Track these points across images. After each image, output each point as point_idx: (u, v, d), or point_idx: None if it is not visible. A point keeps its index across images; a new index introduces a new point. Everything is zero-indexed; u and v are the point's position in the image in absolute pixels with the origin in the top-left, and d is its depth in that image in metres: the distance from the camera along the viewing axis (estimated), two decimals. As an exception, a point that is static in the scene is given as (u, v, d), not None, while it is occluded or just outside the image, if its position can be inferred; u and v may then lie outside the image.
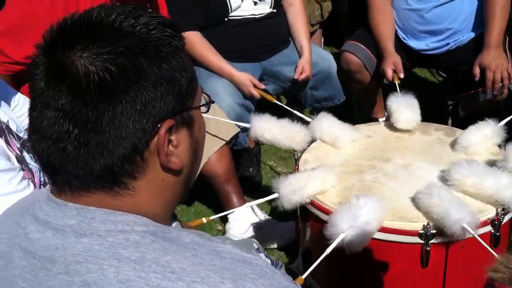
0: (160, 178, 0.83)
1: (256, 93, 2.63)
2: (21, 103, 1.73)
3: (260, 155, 3.04)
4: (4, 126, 1.51)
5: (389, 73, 2.67)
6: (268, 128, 2.08)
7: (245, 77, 2.65)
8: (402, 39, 2.88)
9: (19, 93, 1.77)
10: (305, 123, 2.26)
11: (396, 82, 2.58)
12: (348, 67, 2.87)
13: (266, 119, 2.10)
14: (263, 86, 2.71)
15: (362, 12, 2.97)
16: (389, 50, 2.74)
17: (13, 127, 1.56)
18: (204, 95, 0.93)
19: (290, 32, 2.91)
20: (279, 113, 3.04)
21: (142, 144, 0.79)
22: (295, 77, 2.77)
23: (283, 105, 2.70)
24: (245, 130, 2.68)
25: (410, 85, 2.76)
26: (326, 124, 2.09)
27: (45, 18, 2.09)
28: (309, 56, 2.81)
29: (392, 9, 2.86)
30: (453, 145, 2.03)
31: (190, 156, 0.87)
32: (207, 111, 0.93)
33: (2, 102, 1.60)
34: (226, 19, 2.73)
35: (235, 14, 2.74)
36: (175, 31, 0.83)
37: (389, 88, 2.71)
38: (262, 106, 2.76)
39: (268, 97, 2.67)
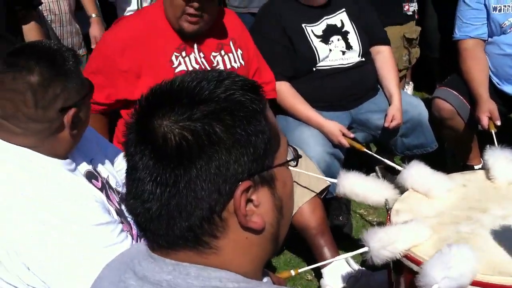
0: (244, 237, 0.84)
1: (345, 142, 2.62)
2: (120, 158, 1.82)
3: (350, 203, 2.99)
4: (104, 181, 1.60)
5: (485, 121, 2.58)
6: (356, 185, 2.04)
7: (334, 126, 2.65)
8: (496, 84, 2.80)
9: (119, 150, 1.88)
10: (396, 171, 2.21)
11: (493, 131, 2.48)
12: (440, 113, 2.80)
13: (353, 176, 2.08)
14: (352, 135, 2.70)
15: (454, 58, 2.92)
16: (484, 97, 2.66)
17: (112, 182, 1.65)
18: (291, 148, 0.93)
19: (379, 80, 2.90)
20: (369, 161, 3.02)
21: (219, 205, 0.81)
22: (385, 125, 2.74)
23: (372, 153, 2.67)
24: (334, 179, 2.67)
25: (506, 131, 2.66)
26: (419, 172, 2.04)
27: (119, 65, 2.23)
28: (399, 103, 2.78)
29: (485, 54, 2.79)
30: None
31: (275, 213, 0.87)
32: (296, 165, 0.93)
33: (105, 159, 1.70)
34: (314, 69, 2.76)
35: (323, 64, 2.76)
36: (255, 94, 0.85)
37: (484, 134, 2.63)
38: (352, 155, 2.75)
39: (357, 145, 2.65)
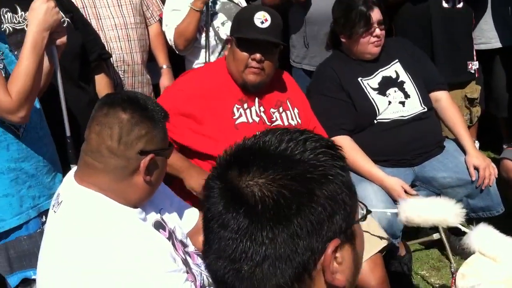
0: None
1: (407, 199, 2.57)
2: (187, 213, 1.86)
3: (411, 263, 2.91)
4: (171, 231, 1.64)
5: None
6: (419, 208, 2.00)
7: (396, 182, 2.62)
8: None
9: (184, 202, 1.92)
10: (461, 233, 2.15)
11: None
12: (508, 175, 2.72)
13: (414, 200, 2.04)
14: (414, 193, 2.64)
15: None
16: (554, 159, 2.57)
17: (178, 233, 1.68)
18: (361, 204, 0.94)
19: (447, 126, 2.89)
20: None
21: (311, 263, 0.82)
22: (473, 179, 2.69)
23: (436, 212, 2.61)
24: (396, 237, 2.61)
25: None
26: (487, 236, 1.98)
27: (182, 109, 2.32)
28: (473, 150, 2.74)
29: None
30: None
31: (352, 270, 0.88)
32: (363, 220, 0.94)
33: (173, 210, 1.74)
34: (375, 121, 2.76)
35: (384, 116, 2.76)
36: (336, 152, 0.88)
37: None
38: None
39: (420, 204, 2.59)
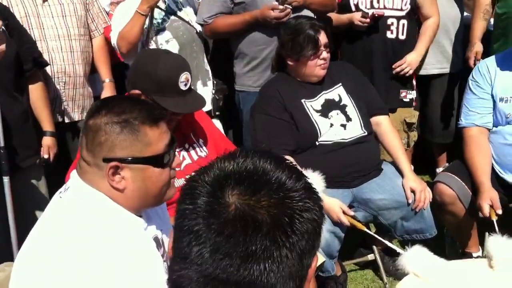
0: None
1: (345, 219, 2.62)
2: None
3: (346, 283, 2.96)
4: (165, 254, 1.57)
5: (486, 209, 2.58)
6: None
7: (334, 202, 2.65)
8: (498, 173, 2.81)
9: None
10: (395, 254, 2.20)
11: (494, 219, 2.49)
12: (441, 198, 2.81)
13: None
14: (352, 213, 2.69)
15: (457, 144, 2.96)
16: (486, 185, 2.67)
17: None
18: None
19: (386, 150, 2.95)
20: (368, 241, 3.01)
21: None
22: (409, 201, 2.75)
23: (372, 233, 2.67)
24: (333, 257, 2.64)
25: (507, 220, 2.66)
26: (420, 257, 2.04)
27: None
28: (410, 173, 2.81)
29: (489, 143, 2.83)
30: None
31: None
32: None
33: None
34: (317, 143, 2.79)
35: (325, 138, 2.80)
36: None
37: (484, 222, 2.63)
38: (352, 234, 2.73)
39: (358, 224, 2.64)
